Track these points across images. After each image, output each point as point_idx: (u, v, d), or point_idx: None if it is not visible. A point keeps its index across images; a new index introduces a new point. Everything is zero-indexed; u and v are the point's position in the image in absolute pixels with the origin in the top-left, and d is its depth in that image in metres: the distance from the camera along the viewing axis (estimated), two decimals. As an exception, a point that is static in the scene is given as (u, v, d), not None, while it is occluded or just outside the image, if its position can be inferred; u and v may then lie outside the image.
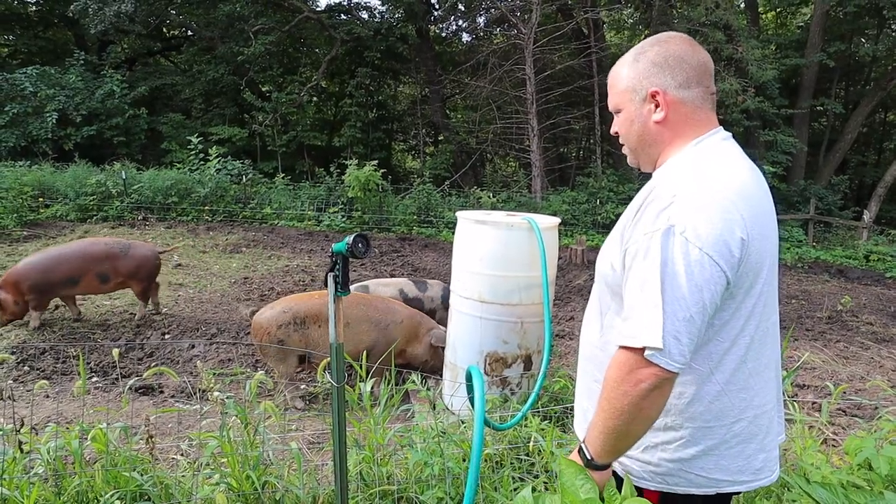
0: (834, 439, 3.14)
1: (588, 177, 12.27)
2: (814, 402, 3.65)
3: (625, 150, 1.28)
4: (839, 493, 1.71)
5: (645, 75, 1.17)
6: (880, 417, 2.53)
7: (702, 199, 1.04)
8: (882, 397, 3.62)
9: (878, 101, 14.14)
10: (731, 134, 1.23)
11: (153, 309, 5.19)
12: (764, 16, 17.05)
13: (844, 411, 3.70)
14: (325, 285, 1.68)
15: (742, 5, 14.61)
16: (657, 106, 1.17)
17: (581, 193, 11.49)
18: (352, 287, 4.70)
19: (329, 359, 1.70)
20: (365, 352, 3.65)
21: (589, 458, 1.13)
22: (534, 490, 1.41)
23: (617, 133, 1.28)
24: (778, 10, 17.26)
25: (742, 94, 11.24)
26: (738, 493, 1.21)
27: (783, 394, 1.42)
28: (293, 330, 3.51)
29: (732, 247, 1.03)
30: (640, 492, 1.20)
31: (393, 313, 3.75)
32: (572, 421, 1.56)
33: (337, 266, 1.64)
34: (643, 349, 1.00)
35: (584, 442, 1.16)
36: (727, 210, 1.04)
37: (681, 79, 1.16)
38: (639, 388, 1.02)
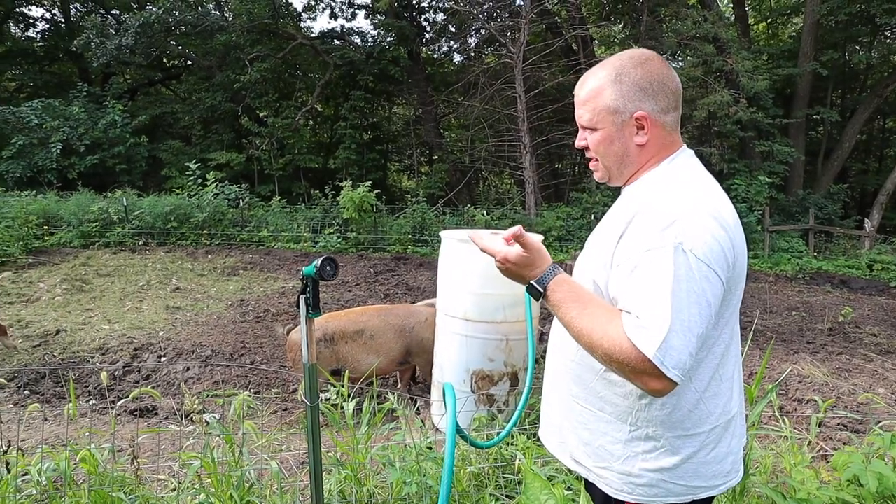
0: (832, 455, 3.11)
1: (582, 192, 12.36)
2: (799, 417, 3.63)
3: (594, 165, 1.30)
4: (813, 511, 1.71)
5: (630, 98, 1.18)
6: (873, 431, 2.51)
7: (702, 216, 1.07)
8: (876, 410, 3.59)
9: (876, 108, 14.21)
10: (693, 152, 1.27)
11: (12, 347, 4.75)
12: (755, 27, 17.27)
13: (845, 426, 3.66)
14: (297, 307, 1.73)
15: (732, 17, 14.83)
16: (640, 129, 1.19)
17: (575, 209, 11.56)
18: (420, 303, 4.74)
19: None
20: (398, 360, 3.73)
21: (541, 291, 1.17)
22: None
23: (584, 147, 1.28)
24: (769, 20, 17.51)
25: (734, 106, 11.36)
26: (711, 497, 1.24)
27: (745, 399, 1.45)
28: (324, 346, 3.64)
29: (729, 260, 1.09)
30: None
31: (415, 314, 3.82)
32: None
33: (308, 288, 1.69)
34: (654, 357, 1.00)
35: (550, 288, 1.16)
36: (722, 227, 1.09)
37: (663, 104, 1.19)
38: (633, 380, 1.04)
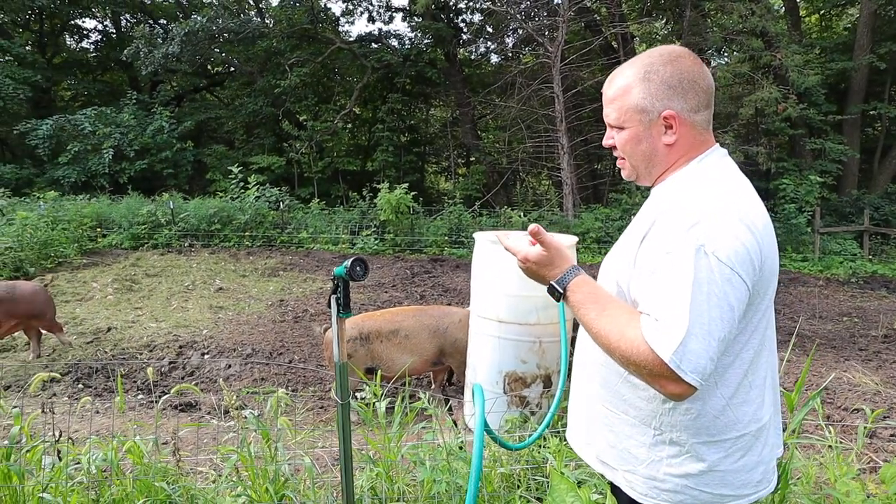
0: (882, 467, 2.95)
1: (622, 193, 12.09)
2: (847, 426, 3.44)
3: (622, 164, 1.28)
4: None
5: (658, 97, 1.15)
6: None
7: (727, 218, 1.04)
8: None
9: (939, 103, 13.38)
10: (727, 151, 1.24)
11: (36, 353, 4.80)
12: (806, 19, 16.52)
13: (899, 437, 3.46)
14: (329, 307, 1.77)
15: (781, 10, 14.22)
16: (669, 128, 1.16)
17: (614, 210, 11.33)
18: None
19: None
20: (436, 361, 3.77)
21: (560, 292, 1.18)
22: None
23: (612, 146, 1.27)
24: (821, 12, 16.70)
25: (783, 103, 10.89)
26: None
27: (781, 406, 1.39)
28: (359, 345, 3.71)
29: (755, 263, 1.05)
30: None
31: (448, 315, 3.86)
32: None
33: (339, 289, 1.73)
34: (670, 360, 0.98)
35: (569, 288, 1.17)
36: (749, 229, 1.06)
37: (693, 103, 1.16)
38: (651, 383, 1.03)
